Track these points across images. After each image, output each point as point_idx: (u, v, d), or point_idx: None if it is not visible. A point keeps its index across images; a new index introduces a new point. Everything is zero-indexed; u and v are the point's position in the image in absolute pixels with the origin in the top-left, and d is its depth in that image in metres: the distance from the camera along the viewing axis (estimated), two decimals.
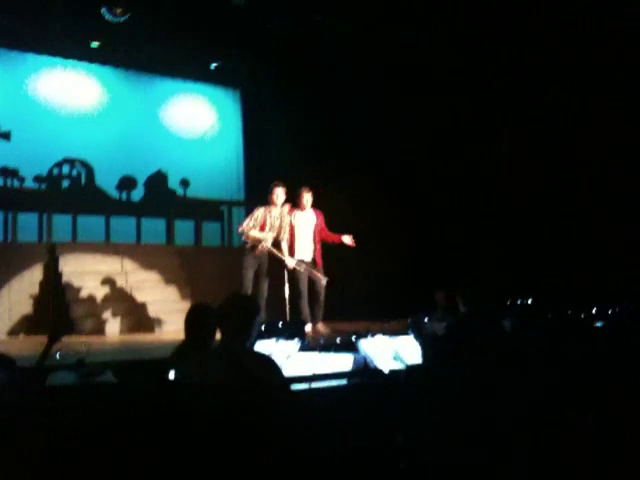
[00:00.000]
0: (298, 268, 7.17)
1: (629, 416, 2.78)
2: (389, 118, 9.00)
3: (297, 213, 7.40)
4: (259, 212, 7.15)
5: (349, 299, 8.34)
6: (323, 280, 7.25)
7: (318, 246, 7.43)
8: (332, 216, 7.75)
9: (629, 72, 7.20)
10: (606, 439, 2.69)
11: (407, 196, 8.94)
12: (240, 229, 7.18)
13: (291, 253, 7.30)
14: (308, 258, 7.37)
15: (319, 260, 7.41)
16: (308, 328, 7.07)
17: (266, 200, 7.22)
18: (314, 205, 7.49)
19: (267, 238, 7.08)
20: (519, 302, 6.07)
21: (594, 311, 5.68)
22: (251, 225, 7.08)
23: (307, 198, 7.39)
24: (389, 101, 9.00)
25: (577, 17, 7.30)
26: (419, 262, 8.76)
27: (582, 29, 7.27)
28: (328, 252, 7.65)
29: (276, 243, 7.25)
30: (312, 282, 7.29)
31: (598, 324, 5.06)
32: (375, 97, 9.01)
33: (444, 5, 7.96)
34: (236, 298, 3.32)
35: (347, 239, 7.41)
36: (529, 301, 6.20)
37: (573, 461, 2.58)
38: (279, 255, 7.20)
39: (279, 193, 7.14)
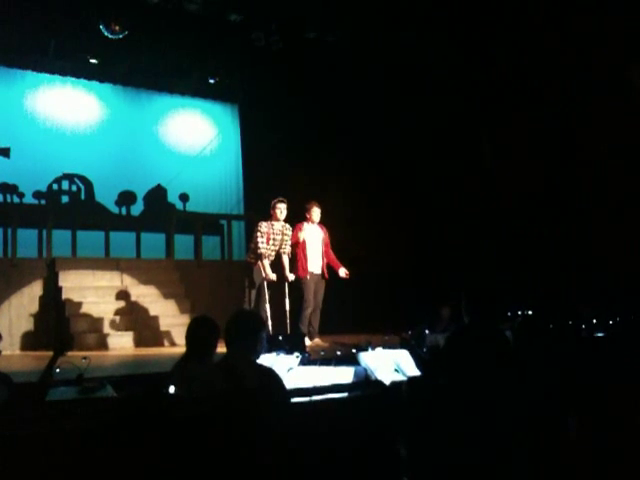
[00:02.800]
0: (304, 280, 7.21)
1: (628, 417, 2.78)
2: (389, 118, 9.01)
3: (307, 227, 7.46)
4: (263, 227, 7.16)
5: (349, 312, 8.33)
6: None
7: (325, 259, 7.48)
8: (333, 224, 7.77)
9: (629, 72, 7.21)
10: (606, 439, 2.69)
11: (408, 197, 8.94)
12: (260, 251, 7.13)
13: (305, 267, 7.33)
14: (318, 271, 7.42)
15: (326, 273, 7.45)
16: (307, 341, 7.06)
17: (266, 214, 7.25)
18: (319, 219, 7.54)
19: (273, 277, 7.11)
20: (520, 313, 6.07)
21: (595, 321, 5.68)
22: (264, 243, 7.11)
23: (317, 212, 7.47)
24: (389, 101, 9.01)
25: (577, 17, 7.32)
26: (422, 275, 8.75)
27: (582, 29, 7.29)
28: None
29: (277, 256, 7.29)
30: (315, 294, 7.32)
31: (599, 334, 5.06)
32: (375, 97, 9.03)
33: (444, 5, 7.99)
34: (242, 314, 3.34)
35: (342, 272, 7.47)
36: (529, 312, 6.20)
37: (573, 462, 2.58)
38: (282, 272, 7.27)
39: (282, 209, 7.19)
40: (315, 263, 7.42)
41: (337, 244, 7.67)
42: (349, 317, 8.18)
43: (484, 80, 8.35)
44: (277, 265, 7.31)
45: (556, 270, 7.72)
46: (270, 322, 6.89)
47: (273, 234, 7.20)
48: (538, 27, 7.67)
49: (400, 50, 8.69)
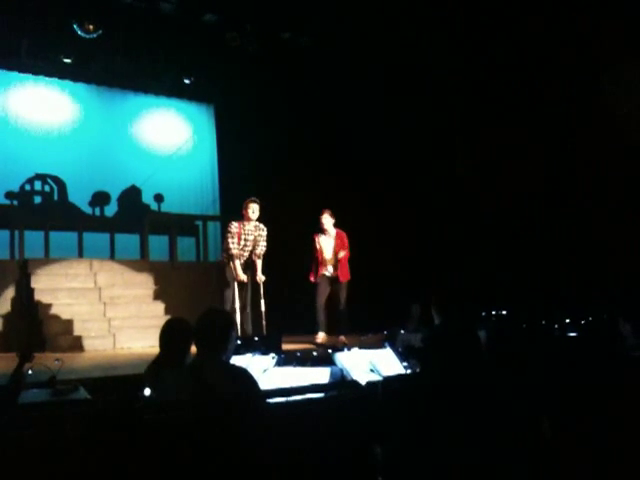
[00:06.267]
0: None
1: (628, 417, 2.82)
2: (389, 118, 9.03)
3: (322, 236, 7.75)
4: (233, 227, 7.16)
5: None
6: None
7: (339, 264, 7.67)
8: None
9: (629, 72, 7.29)
10: (605, 439, 2.72)
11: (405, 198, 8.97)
12: (231, 252, 7.13)
13: (318, 271, 7.65)
14: (329, 273, 7.71)
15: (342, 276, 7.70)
16: (321, 337, 7.48)
17: (241, 215, 7.23)
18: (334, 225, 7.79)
19: (243, 278, 7.16)
20: (494, 313, 6.12)
21: (567, 321, 5.75)
22: (235, 244, 7.11)
23: (327, 220, 7.73)
24: (389, 101, 9.03)
25: (577, 17, 7.38)
26: (396, 276, 8.79)
27: (582, 29, 7.35)
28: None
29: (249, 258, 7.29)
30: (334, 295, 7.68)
31: (571, 334, 5.12)
32: (375, 97, 9.04)
33: (444, 5, 8.02)
34: (211, 313, 3.30)
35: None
36: (504, 312, 6.26)
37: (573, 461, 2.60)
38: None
39: (254, 208, 7.18)
40: (328, 267, 7.70)
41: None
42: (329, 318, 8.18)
43: (484, 80, 8.39)
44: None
45: (533, 270, 7.80)
46: (239, 322, 6.89)
47: (244, 234, 7.19)
48: (538, 27, 7.72)
49: (400, 50, 8.71)
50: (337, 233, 7.79)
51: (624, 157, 7.37)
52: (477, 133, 8.54)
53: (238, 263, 7.13)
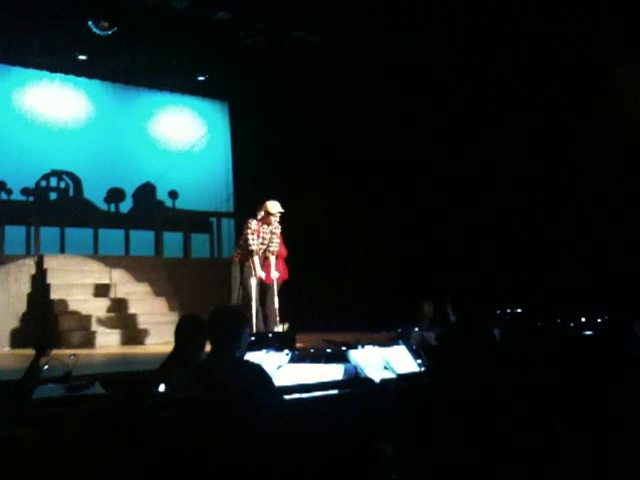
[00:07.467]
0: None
1: (628, 417, 2.80)
2: (389, 118, 9.01)
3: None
4: (253, 224, 7.14)
5: (337, 311, 8.35)
6: None
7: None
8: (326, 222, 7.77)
9: (629, 72, 7.25)
10: (606, 439, 2.70)
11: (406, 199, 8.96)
12: (251, 248, 7.10)
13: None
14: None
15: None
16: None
17: (255, 212, 7.23)
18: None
19: (262, 275, 7.10)
20: (509, 311, 6.09)
21: (583, 320, 5.71)
22: (255, 240, 7.09)
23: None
24: (389, 101, 9.02)
25: (577, 17, 7.34)
26: (405, 274, 8.78)
27: (582, 29, 7.31)
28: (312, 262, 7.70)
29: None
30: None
31: (587, 332, 5.08)
32: (375, 97, 9.02)
33: (444, 5, 7.99)
34: (224, 310, 3.31)
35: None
36: (518, 310, 6.23)
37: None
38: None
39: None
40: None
41: (329, 244, 7.68)
42: (341, 316, 8.18)
43: (484, 80, 8.37)
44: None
45: (549, 269, 7.76)
46: (255, 320, 6.88)
47: (262, 232, 7.19)
48: (538, 27, 7.68)
49: (400, 50, 8.70)
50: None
51: (624, 157, 7.33)
52: (477, 133, 8.52)
53: (257, 259, 7.11)
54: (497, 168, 8.28)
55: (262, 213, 7.16)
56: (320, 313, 7.59)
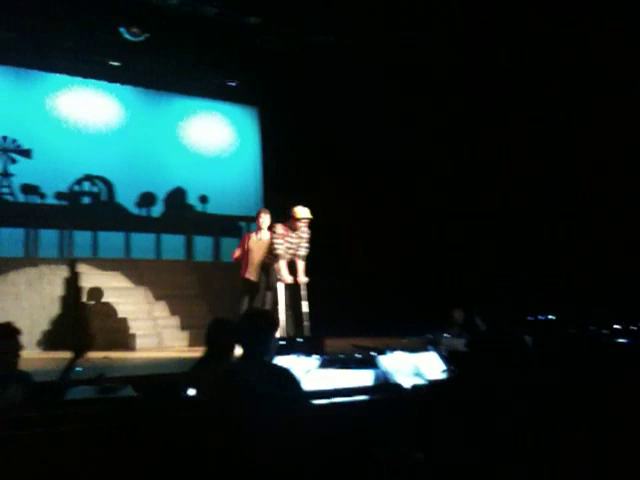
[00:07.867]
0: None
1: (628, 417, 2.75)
2: (389, 118, 8.99)
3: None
4: (280, 229, 7.17)
5: (364, 315, 8.32)
6: None
7: None
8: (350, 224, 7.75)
9: (629, 71, 7.15)
10: (606, 441, 2.66)
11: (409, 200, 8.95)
12: (276, 252, 7.13)
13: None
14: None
15: None
16: None
17: (284, 216, 7.26)
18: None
19: (289, 279, 7.16)
20: (540, 318, 6.01)
21: (617, 327, 5.61)
22: (282, 245, 7.12)
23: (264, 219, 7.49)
24: (389, 101, 9.00)
25: (577, 17, 7.27)
26: (405, 274, 8.76)
27: (582, 29, 7.24)
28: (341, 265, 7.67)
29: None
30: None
31: (621, 340, 4.99)
32: (375, 97, 9.01)
33: (444, 5, 7.96)
34: (253, 314, 3.32)
35: None
36: (550, 317, 6.14)
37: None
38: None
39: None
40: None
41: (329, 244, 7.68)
42: (363, 319, 8.15)
43: (484, 80, 8.32)
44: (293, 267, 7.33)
45: (549, 269, 7.69)
46: (284, 324, 6.89)
47: (289, 236, 7.21)
48: (538, 27, 7.62)
49: (400, 50, 8.67)
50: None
51: (624, 157, 7.23)
52: (477, 133, 8.45)
53: (283, 264, 7.13)
54: (497, 168, 8.23)
55: (289, 218, 7.19)
56: (351, 316, 7.57)
